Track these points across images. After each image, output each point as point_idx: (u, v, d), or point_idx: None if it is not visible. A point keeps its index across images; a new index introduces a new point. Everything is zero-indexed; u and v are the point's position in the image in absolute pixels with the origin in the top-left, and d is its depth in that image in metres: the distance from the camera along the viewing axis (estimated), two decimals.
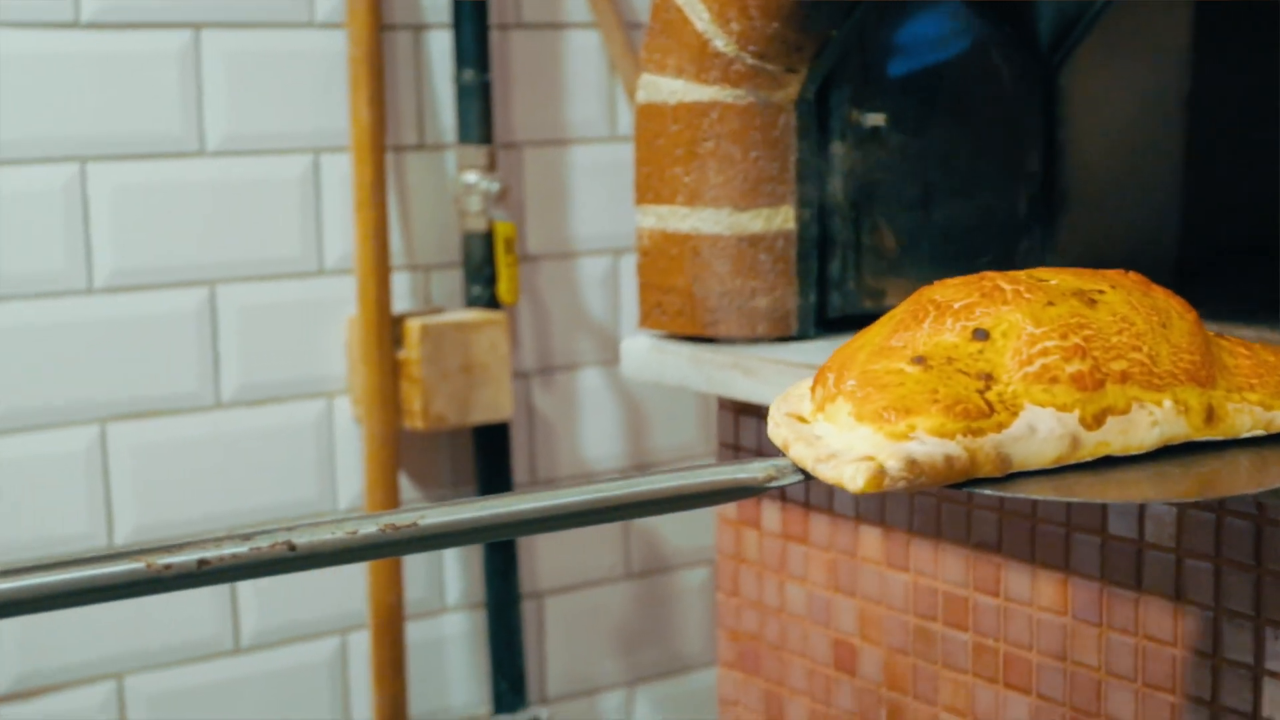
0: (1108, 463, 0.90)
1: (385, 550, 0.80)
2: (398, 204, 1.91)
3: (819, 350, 1.44)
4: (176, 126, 1.79)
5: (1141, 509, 1.23)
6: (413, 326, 1.86)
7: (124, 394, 1.79)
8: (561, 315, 2.04)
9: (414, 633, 1.96)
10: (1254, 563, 1.19)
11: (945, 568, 1.42)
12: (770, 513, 1.57)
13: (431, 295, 1.95)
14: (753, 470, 0.88)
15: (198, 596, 1.85)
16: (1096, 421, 0.88)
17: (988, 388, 0.87)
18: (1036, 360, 0.88)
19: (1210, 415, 0.92)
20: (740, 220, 1.46)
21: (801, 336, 1.49)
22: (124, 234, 1.77)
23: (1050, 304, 0.90)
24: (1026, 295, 0.90)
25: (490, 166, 1.91)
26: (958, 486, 0.86)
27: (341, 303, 1.89)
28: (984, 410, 0.86)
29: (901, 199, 1.55)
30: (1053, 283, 0.92)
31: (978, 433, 0.86)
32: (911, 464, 0.85)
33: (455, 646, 2.02)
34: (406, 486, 1.96)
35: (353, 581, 1.93)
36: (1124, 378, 0.89)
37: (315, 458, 1.90)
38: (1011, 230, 1.62)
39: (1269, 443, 0.95)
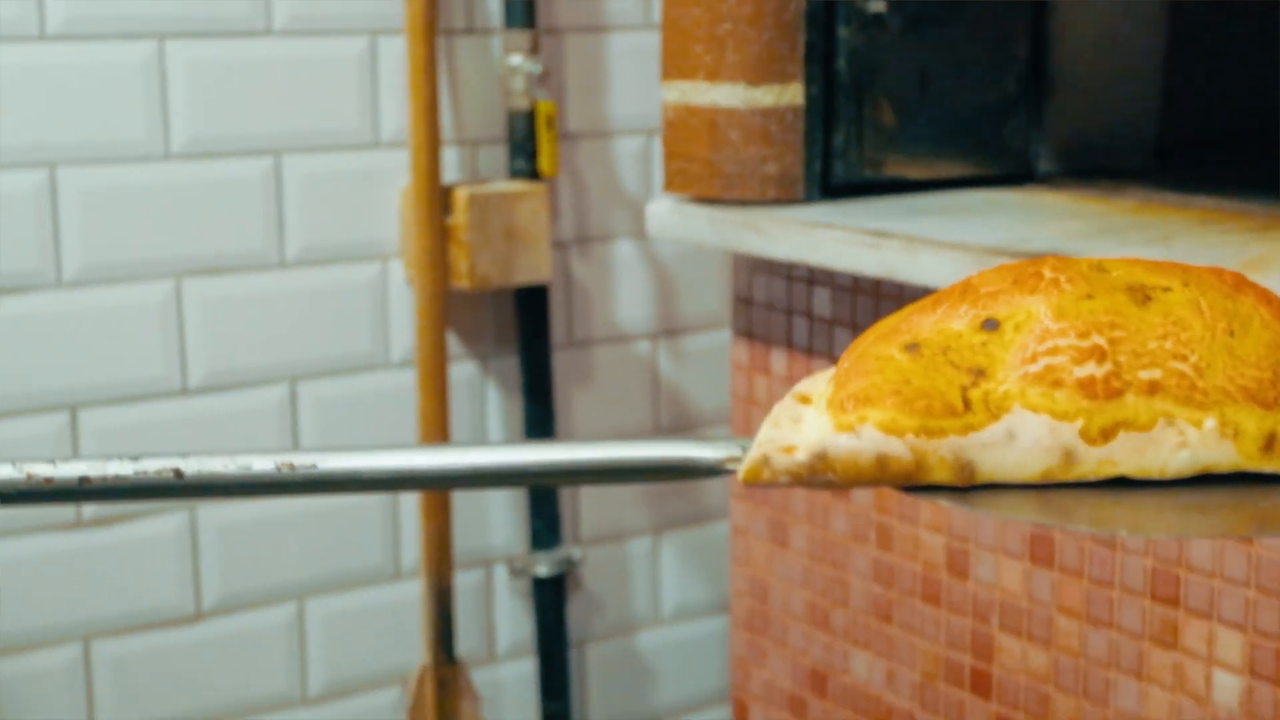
0: (1132, 484, 0.79)
1: (274, 489, 0.77)
2: (448, 84, 2.09)
3: (822, 213, 1.62)
4: (246, 8, 1.97)
5: None
6: (460, 195, 2.04)
7: (197, 252, 1.98)
8: (598, 189, 2.22)
9: None
10: None
11: None
12: (778, 359, 1.75)
13: (478, 168, 2.13)
14: (714, 449, 0.80)
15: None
16: (1104, 436, 0.78)
17: (974, 384, 0.79)
18: (1042, 359, 0.78)
19: (1271, 443, 0.79)
20: (754, 95, 1.63)
21: (807, 200, 1.67)
22: (197, 105, 1.95)
23: (1089, 297, 0.80)
24: (1066, 285, 0.81)
25: (533, 50, 2.08)
26: (918, 491, 0.79)
27: (396, 173, 2.07)
28: (954, 409, 0.78)
29: (900, 79, 1.71)
30: (1114, 274, 0.81)
31: (935, 433, 0.78)
32: (820, 458, 0.78)
33: (495, 493, 2.21)
34: (454, 343, 2.14)
35: (408, 425, 2.12)
36: (1153, 389, 0.78)
37: (370, 315, 2.09)
38: (1000, 111, 1.79)
39: None
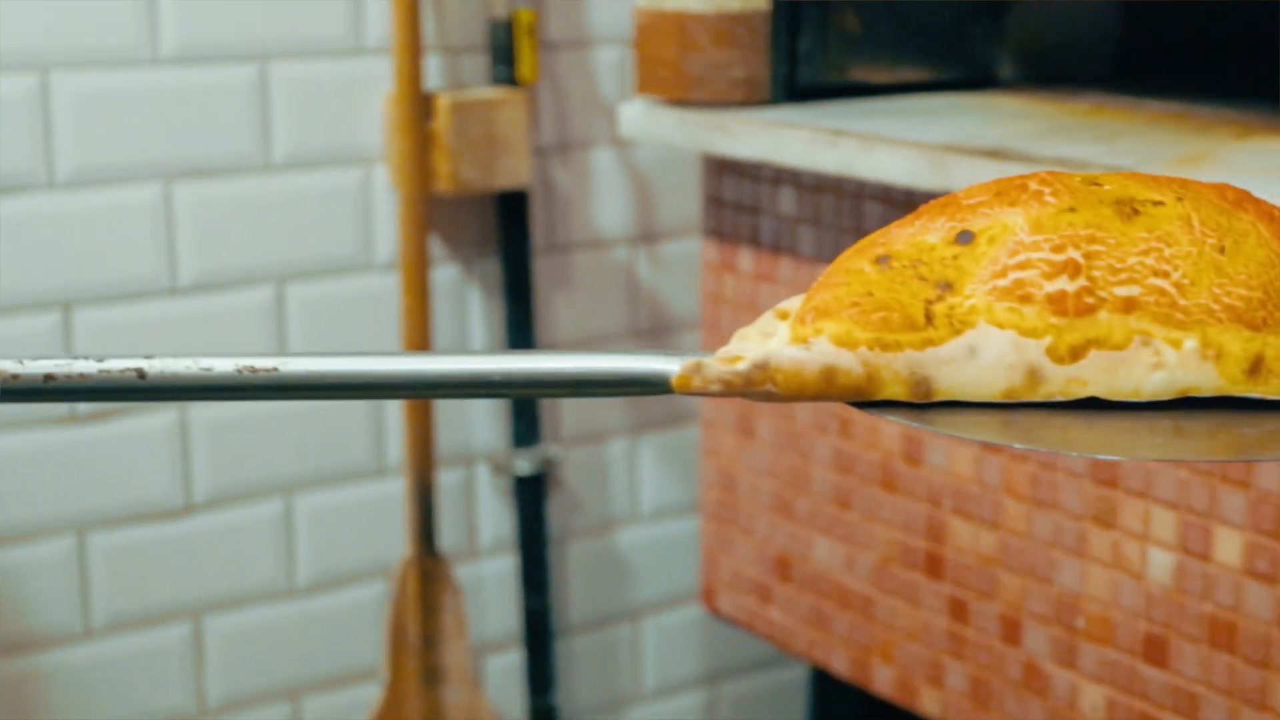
0: (1105, 406, 0.76)
1: (236, 393, 0.78)
2: None
3: (786, 114, 1.68)
4: None
5: None
6: (442, 102, 2.10)
7: (186, 155, 2.04)
8: (577, 96, 2.27)
9: None
10: None
11: None
12: (745, 257, 1.81)
13: (461, 75, 2.18)
14: (668, 363, 0.78)
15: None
16: (1073, 354, 0.75)
17: (940, 298, 0.76)
18: (1012, 273, 0.76)
19: (1257, 366, 0.75)
20: (721, 0, 1.69)
21: (773, 102, 1.73)
22: (188, 11, 2.01)
23: (1070, 210, 0.77)
24: (1049, 199, 0.78)
25: None
26: (872, 407, 0.77)
27: (380, 80, 2.13)
28: (914, 323, 0.76)
29: None
30: (1105, 188, 0.78)
31: (890, 347, 0.75)
32: (761, 368, 0.76)
33: None
34: (438, 246, 2.20)
35: (391, 327, 2.18)
36: (1130, 306, 0.75)
37: (355, 218, 2.15)
38: (962, 18, 1.85)
39: None
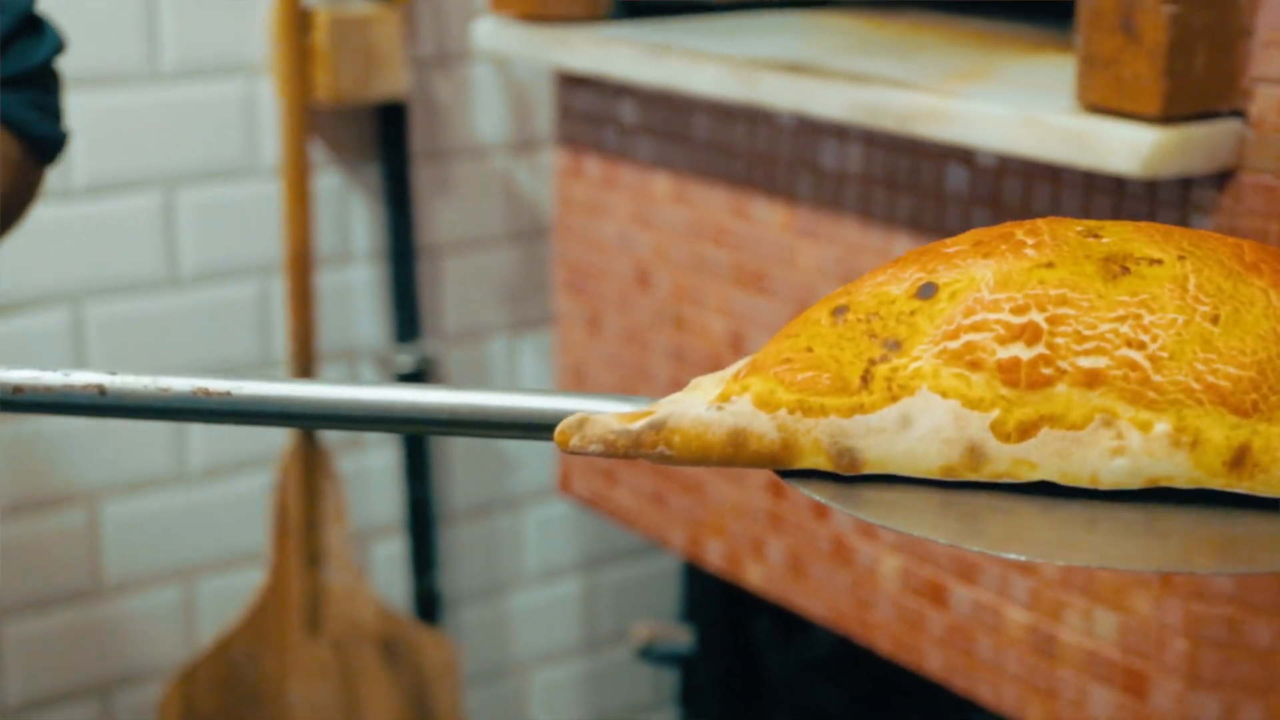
0: (1075, 491, 0.68)
1: (189, 415, 0.79)
2: None
3: (622, 30, 1.80)
4: None
5: None
6: (321, 16, 2.21)
7: (78, 65, 2.15)
8: (455, 11, 2.39)
9: (325, 279, 2.35)
10: None
11: (714, 202, 1.79)
12: (593, 164, 1.94)
13: None
14: (602, 405, 0.73)
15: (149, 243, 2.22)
16: (1021, 432, 0.67)
17: (884, 359, 0.68)
18: (964, 334, 0.68)
19: (1241, 458, 0.65)
20: None
21: (613, 18, 1.85)
22: None
23: (1048, 265, 0.68)
24: (1028, 251, 0.69)
25: None
26: (794, 478, 0.70)
27: None
28: (847, 385, 0.68)
29: None
30: (1103, 241, 0.70)
31: (814, 411, 0.68)
32: (656, 429, 0.70)
33: (362, 291, 2.40)
34: (321, 152, 2.32)
35: (275, 231, 2.30)
36: (1093, 380, 0.66)
37: (241, 126, 2.26)
38: None
39: None
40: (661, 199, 1.84)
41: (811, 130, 1.64)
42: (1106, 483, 0.66)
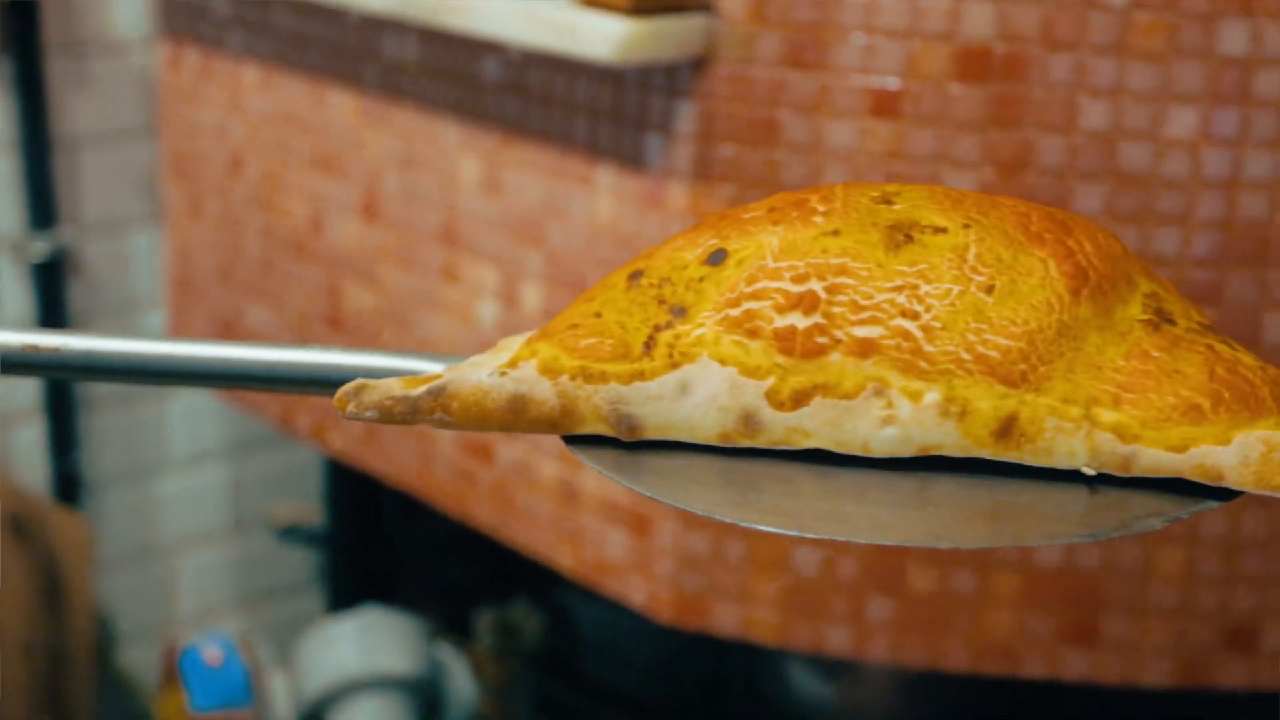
0: (846, 458, 0.68)
1: (18, 369, 0.77)
2: None
3: None
4: None
5: None
6: None
7: None
8: None
9: None
10: None
11: (296, 91, 1.90)
12: (192, 55, 2.04)
13: None
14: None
15: None
16: (795, 400, 0.67)
17: (669, 325, 0.69)
18: (745, 302, 0.68)
19: (1008, 428, 0.66)
20: None
21: None
22: None
23: (834, 234, 0.69)
24: (817, 219, 0.69)
25: None
26: (579, 445, 0.69)
27: None
28: (628, 352, 0.68)
29: None
30: (894, 208, 0.70)
31: (594, 378, 0.68)
32: (435, 396, 0.69)
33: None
34: None
35: None
36: (866, 350, 0.67)
37: None
38: None
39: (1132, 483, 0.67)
40: (251, 88, 1.94)
41: (375, 24, 1.75)
42: (878, 451, 0.67)
